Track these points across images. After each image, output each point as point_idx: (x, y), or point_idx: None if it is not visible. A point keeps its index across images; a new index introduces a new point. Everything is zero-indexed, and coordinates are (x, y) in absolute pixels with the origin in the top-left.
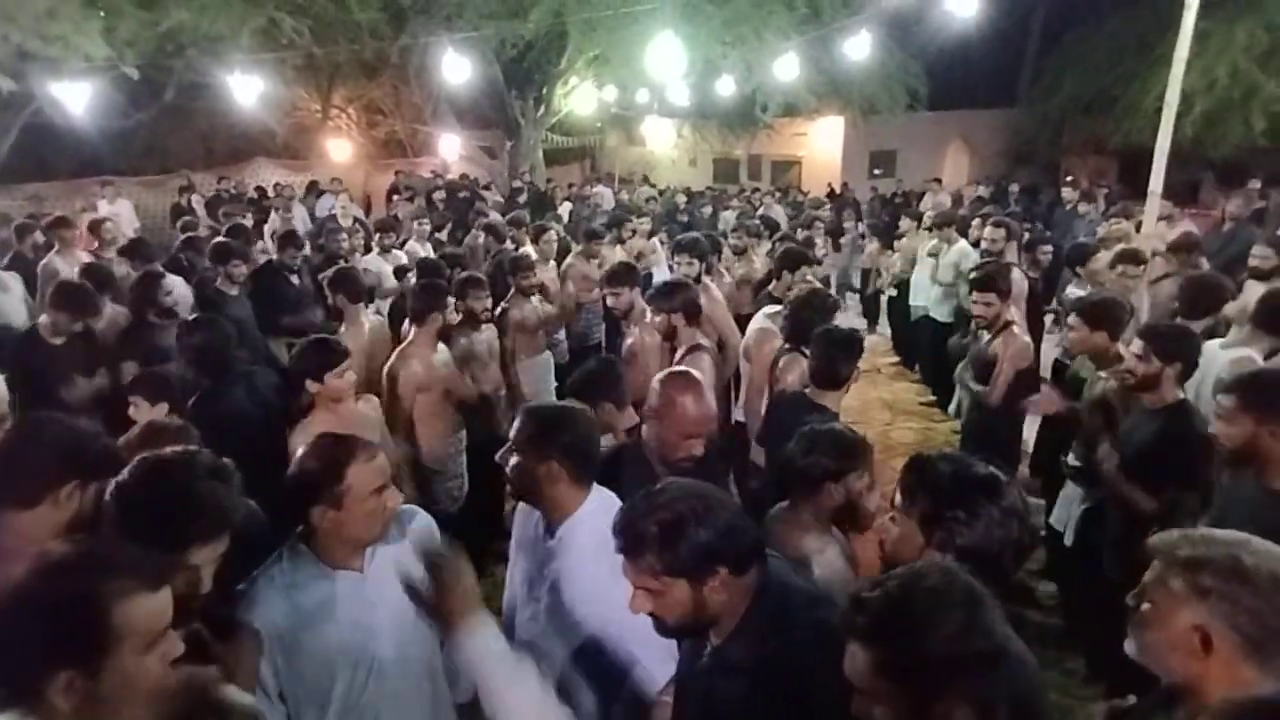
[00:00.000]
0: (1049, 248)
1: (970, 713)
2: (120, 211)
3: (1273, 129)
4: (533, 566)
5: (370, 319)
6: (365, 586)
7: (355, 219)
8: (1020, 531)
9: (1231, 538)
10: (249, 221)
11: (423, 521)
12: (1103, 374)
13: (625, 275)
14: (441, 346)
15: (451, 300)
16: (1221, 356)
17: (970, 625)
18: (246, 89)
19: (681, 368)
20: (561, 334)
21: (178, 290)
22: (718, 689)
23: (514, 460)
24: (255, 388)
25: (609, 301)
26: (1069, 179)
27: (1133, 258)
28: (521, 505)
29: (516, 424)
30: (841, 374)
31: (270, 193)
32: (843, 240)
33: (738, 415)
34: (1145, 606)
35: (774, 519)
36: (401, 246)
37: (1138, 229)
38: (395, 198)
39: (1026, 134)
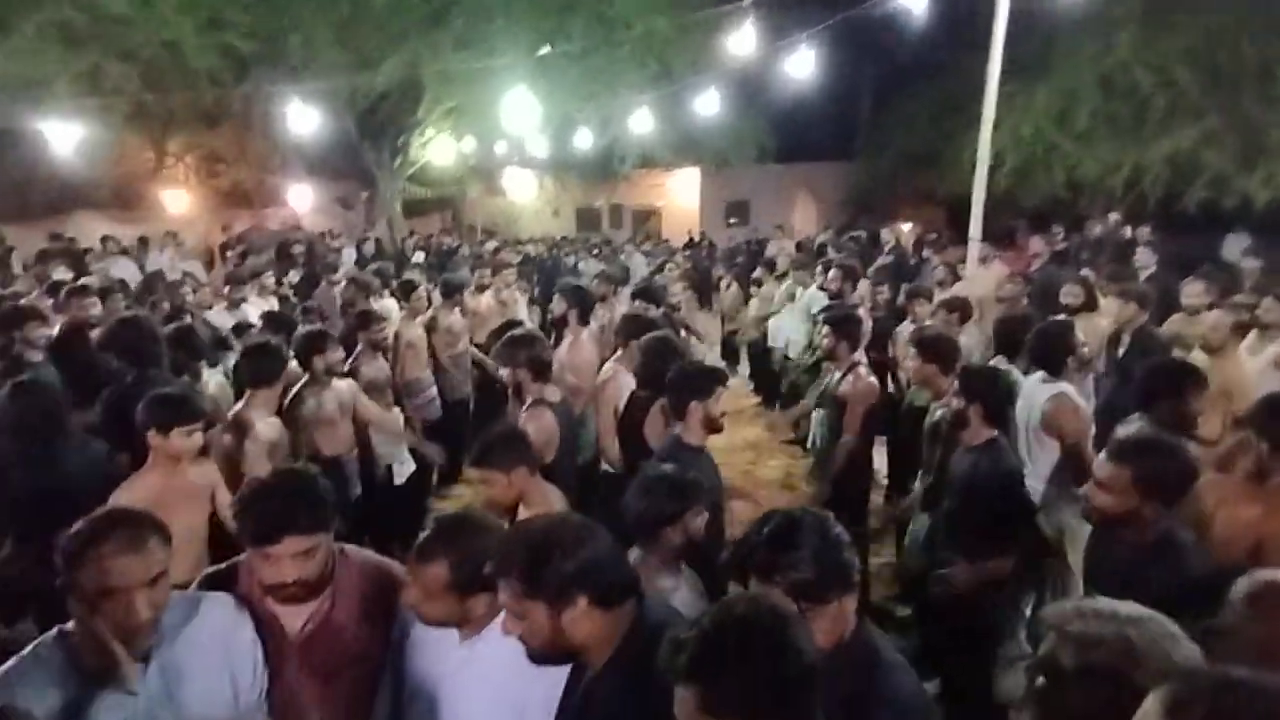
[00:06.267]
0: (885, 286)
1: None
2: None
3: (1071, 181)
4: (434, 675)
5: (214, 377)
6: (145, 683)
7: (186, 273)
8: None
9: (1124, 613)
10: (68, 277)
11: (224, 610)
12: (935, 406)
13: (511, 351)
14: (271, 420)
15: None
16: (1041, 391)
17: (781, 649)
18: (65, 137)
19: None
20: (433, 389)
21: None
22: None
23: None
24: (93, 460)
25: (503, 374)
26: (897, 227)
27: (960, 307)
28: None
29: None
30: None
31: (98, 246)
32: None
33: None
34: (1040, 680)
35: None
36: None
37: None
38: (229, 254)
39: (865, 185)
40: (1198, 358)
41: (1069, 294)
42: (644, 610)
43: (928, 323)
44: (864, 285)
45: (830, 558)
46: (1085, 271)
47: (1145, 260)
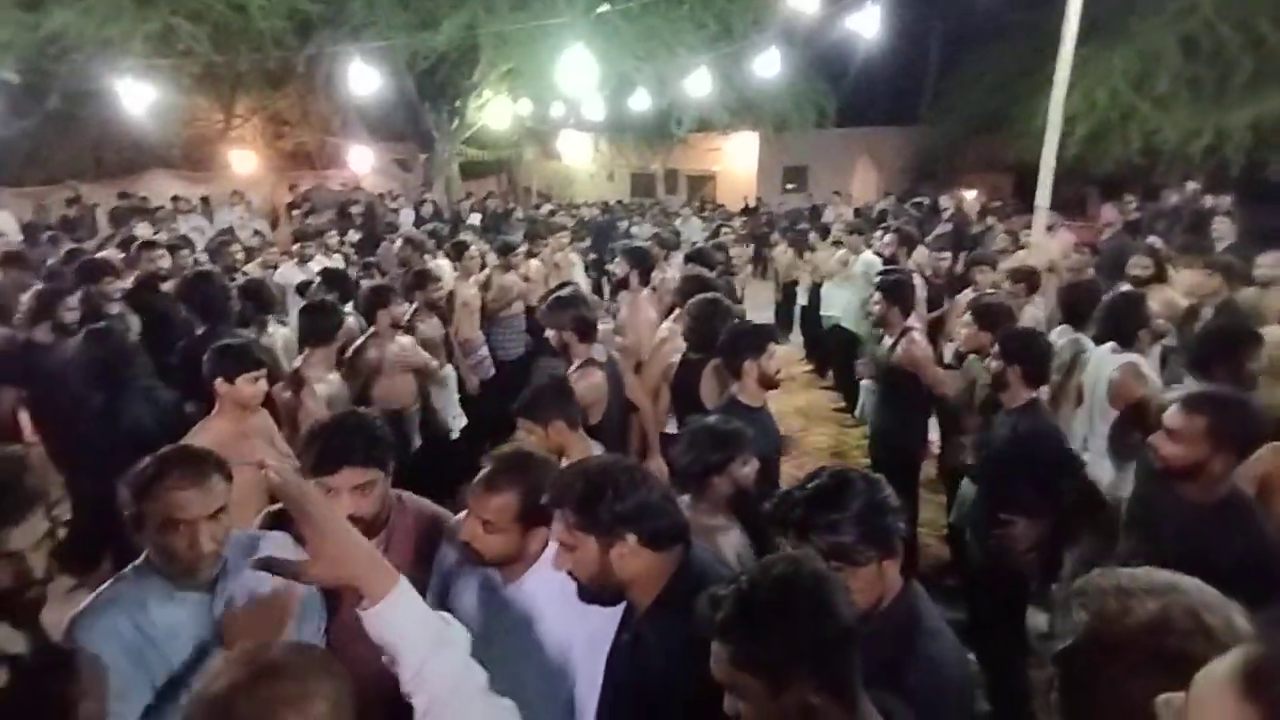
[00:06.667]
0: (946, 254)
1: (824, 695)
2: (2, 225)
3: (1147, 147)
4: (483, 617)
5: (280, 332)
6: (210, 610)
7: (256, 231)
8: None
9: (1158, 582)
10: (149, 233)
11: (282, 549)
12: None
13: (556, 313)
14: (331, 376)
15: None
16: (1110, 362)
17: (817, 610)
18: (138, 97)
19: None
20: (485, 349)
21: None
22: (634, 661)
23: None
24: (157, 402)
25: (549, 335)
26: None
27: (1026, 278)
28: (442, 551)
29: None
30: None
31: (168, 205)
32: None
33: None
34: (1070, 659)
35: None
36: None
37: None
38: (295, 212)
39: (928, 151)
40: (1273, 332)
41: (1137, 265)
42: (691, 557)
43: (989, 291)
44: (921, 252)
45: (873, 521)
46: (1153, 241)
47: (1223, 232)
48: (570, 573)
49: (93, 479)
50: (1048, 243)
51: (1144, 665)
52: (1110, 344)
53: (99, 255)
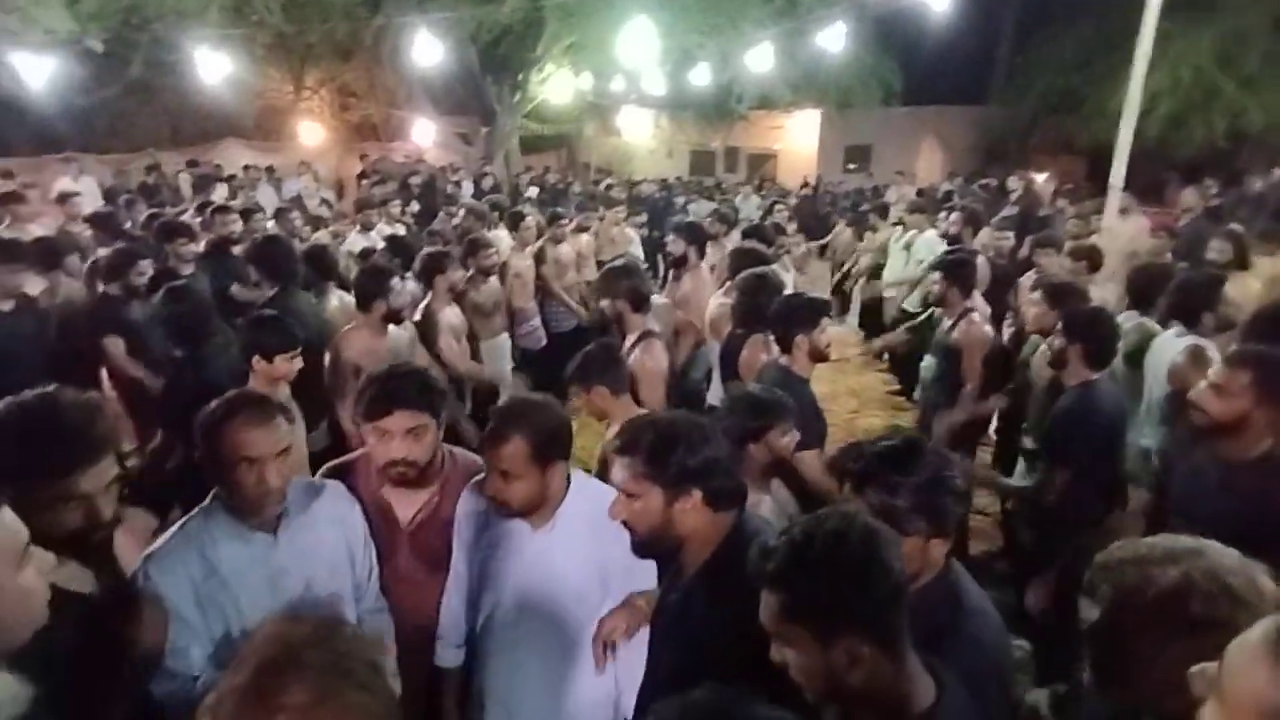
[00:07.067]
0: (1010, 235)
1: (873, 646)
2: (85, 189)
3: (1233, 130)
4: (515, 561)
5: (342, 297)
6: (277, 550)
7: (324, 200)
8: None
9: (1179, 548)
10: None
11: (339, 496)
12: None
13: (611, 283)
14: (396, 331)
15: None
16: (1174, 345)
17: (869, 564)
18: (213, 67)
19: None
20: (536, 319)
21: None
22: (683, 620)
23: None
24: (232, 358)
25: (603, 305)
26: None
27: (1087, 255)
28: (466, 501)
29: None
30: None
31: (240, 174)
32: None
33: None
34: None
35: None
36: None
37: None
38: (364, 181)
39: (998, 132)
40: None
41: (1216, 249)
42: (743, 520)
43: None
44: (986, 233)
45: (933, 496)
46: (1234, 226)
47: None
48: (626, 523)
49: (168, 426)
50: (1121, 225)
51: (1170, 632)
52: (1175, 327)
53: (178, 218)
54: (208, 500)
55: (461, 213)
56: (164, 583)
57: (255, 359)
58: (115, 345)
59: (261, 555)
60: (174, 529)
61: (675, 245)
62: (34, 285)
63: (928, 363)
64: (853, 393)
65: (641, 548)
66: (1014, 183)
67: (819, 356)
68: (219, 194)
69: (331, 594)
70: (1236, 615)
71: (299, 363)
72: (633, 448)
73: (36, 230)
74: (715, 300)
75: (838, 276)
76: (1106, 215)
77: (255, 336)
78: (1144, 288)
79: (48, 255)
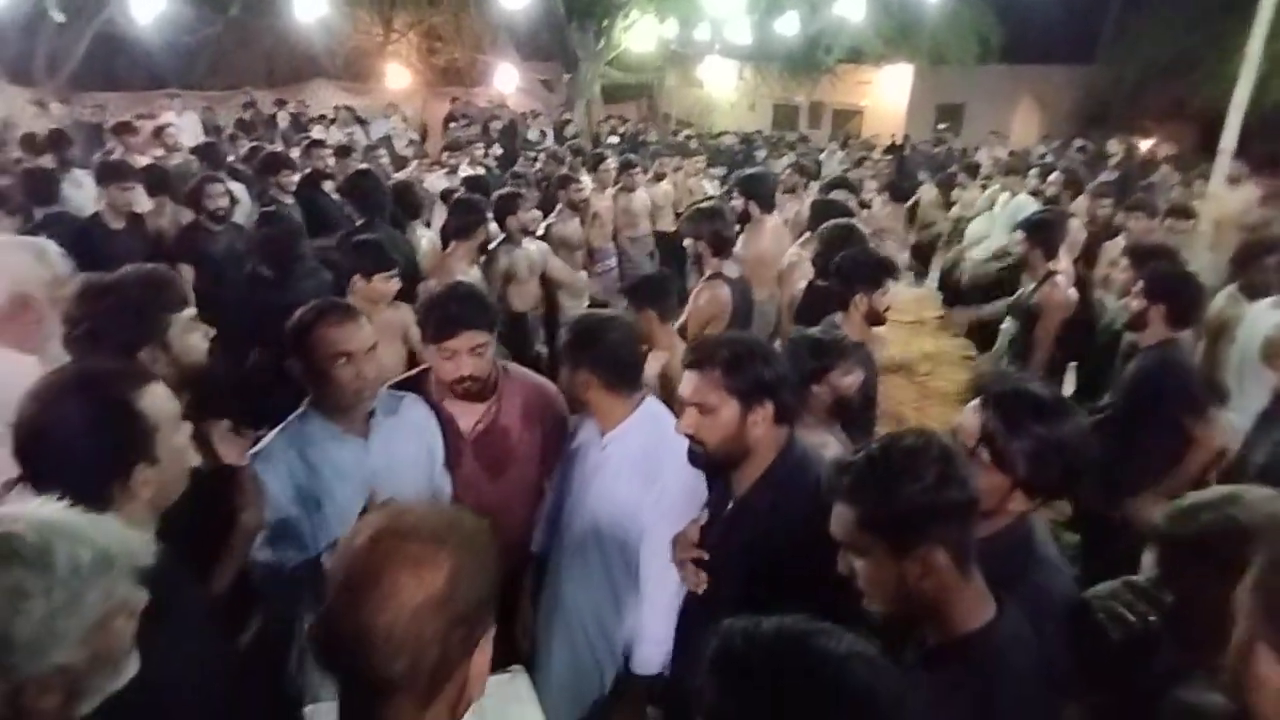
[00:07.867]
0: (1109, 201)
1: (946, 556)
2: (186, 124)
3: None
4: (580, 472)
5: (425, 234)
6: (370, 453)
7: (411, 140)
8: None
9: (1226, 494)
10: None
11: (418, 404)
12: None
13: (696, 223)
14: (472, 271)
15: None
16: (1268, 317)
17: (945, 477)
18: (308, 6)
19: None
20: (613, 261)
21: (244, 198)
22: (738, 530)
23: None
24: (324, 283)
25: (686, 245)
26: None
27: (1181, 212)
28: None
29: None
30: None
31: (330, 113)
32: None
33: None
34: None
35: None
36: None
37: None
38: (452, 124)
39: (1102, 93)
40: None
41: None
42: (793, 440)
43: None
44: (1082, 199)
45: (1044, 455)
46: None
47: None
48: (692, 436)
49: (264, 343)
50: (1230, 194)
51: (1220, 575)
52: (1272, 299)
53: (279, 151)
54: (302, 408)
55: (542, 157)
56: (268, 477)
57: (355, 278)
58: (186, 273)
59: (357, 458)
60: (274, 432)
61: (736, 200)
62: (143, 204)
63: (1008, 325)
64: (927, 356)
65: (707, 460)
66: (1114, 146)
67: (876, 320)
68: (316, 132)
69: (417, 496)
70: None
71: (396, 283)
72: (709, 361)
73: (143, 161)
74: (792, 251)
75: (918, 237)
76: (1213, 180)
77: (356, 256)
78: (1246, 261)
79: (156, 179)
